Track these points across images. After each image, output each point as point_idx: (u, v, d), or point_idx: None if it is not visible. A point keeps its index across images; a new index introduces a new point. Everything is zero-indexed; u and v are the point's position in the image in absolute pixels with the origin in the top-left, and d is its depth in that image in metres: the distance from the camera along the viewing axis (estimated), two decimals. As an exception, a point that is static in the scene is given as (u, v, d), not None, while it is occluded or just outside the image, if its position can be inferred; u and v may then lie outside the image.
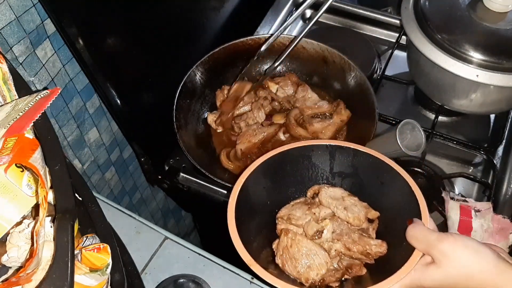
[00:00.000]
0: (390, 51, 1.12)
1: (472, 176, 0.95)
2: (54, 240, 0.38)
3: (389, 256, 0.56)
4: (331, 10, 1.24)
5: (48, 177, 0.41)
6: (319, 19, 1.28)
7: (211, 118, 0.99)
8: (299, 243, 0.56)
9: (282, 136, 0.95)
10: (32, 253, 0.40)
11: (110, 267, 0.47)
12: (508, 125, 1.02)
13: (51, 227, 0.41)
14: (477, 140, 1.01)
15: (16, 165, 0.41)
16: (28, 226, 0.45)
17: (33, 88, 0.68)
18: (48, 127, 0.45)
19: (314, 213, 0.60)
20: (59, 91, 0.47)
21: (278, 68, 1.06)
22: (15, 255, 0.43)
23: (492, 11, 0.86)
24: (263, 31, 1.21)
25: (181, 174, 0.98)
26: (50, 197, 0.42)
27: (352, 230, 0.59)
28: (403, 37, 1.10)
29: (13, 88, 0.49)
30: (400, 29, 1.17)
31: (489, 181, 0.94)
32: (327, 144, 0.62)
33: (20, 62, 0.73)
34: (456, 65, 0.84)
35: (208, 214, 1.19)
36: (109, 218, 0.57)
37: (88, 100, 0.91)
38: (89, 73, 0.83)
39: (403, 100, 1.12)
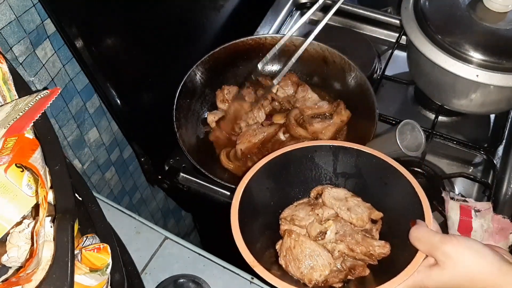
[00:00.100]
0: (390, 51, 1.12)
1: (472, 176, 0.95)
2: (54, 240, 0.38)
3: (392, 257, 0.56)
4: (330, 11, 1.23)
5: (48, 177, 0.41)
6: (319, 19, 1.28)
7: (211, 117, 0.99)
8: (302, 244, 0.56)
9: (282, 136, 0.95)
10: (32, 253, 0.40)
11: (110, 267, 0.47)
12: (508, 125, 1.02)
13: (51, 227, 0.41)
14: (477, 140, 1.01)
15: (16, 165, 0.41)
16: (28, 226, 0.44)
17: (33, 88, 0.68)
18: (48, 127, 0.45)
19: (318, 214, 0.60)
20: (59, 91, 0.47)
21: (278, 68, 1.07)
22: (15, 255, 0.43)
23: (492, 11, 0.86)
24: (263, 31, 1.21)
25: (181, 174, 0.98)
26: (50, 197, 0.42)
27: (356, 231, 0.59)
28: (403, 37, 1.10)
29: (13, 88, 0.49)
30: (400, 29, 1.17)
31: (489, 181, 0.94)
32: (331, 144, 0.62)
33: (20, 62, 0.73)
34: (456, 65, 0.84)
35: (208, 214, 1.19)
36: (109, 218, 0.57)
37: (88, 100, 0.91)
38: (89, 73, 0.83)
39: (403, 100, 1.12)
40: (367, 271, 0.57)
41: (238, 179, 0.59)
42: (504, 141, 0.99)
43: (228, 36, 1.02)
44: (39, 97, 0.46)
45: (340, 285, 0.55)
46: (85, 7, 0.75)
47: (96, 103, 0.93)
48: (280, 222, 0.62)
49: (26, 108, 0.44)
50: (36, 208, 0.43)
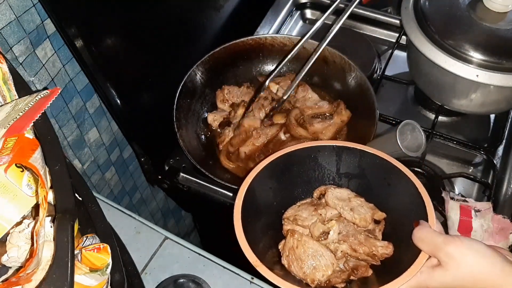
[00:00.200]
0: (390, 51, 1.12)
1: (472, 176, 0.95)
2: (54, 240, 0.38)
3: (395, 257, 0.56)
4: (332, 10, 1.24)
5: (48, 177, 0.41)
6: (318, 19, 1.28)
7: (211, 117, 0.99)
8: (305, 244, 0.56)
9: (283, 136, 0.95)
10: (32, 253, 0.40)
11: (110, 267, 0.47)
12: (508, 125, 1.02)
13: (51, 227, 0.41)
14: (477, 140, 1.01)
15: (16, 165, 0.41)
16: (28, 226, 0.44)
17: (33, 88, 0.68)
18: (48, 127, 0.45)
19: (321, 214, 0.60)
20: (59, 91, 0.47)
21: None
22: (15, 255, 0.43)
23: (492, 11, 0.86)
24: (263, 31, 1.21)
25: (181, 174, 0.98)
26: (50, 197, 0.42)
27: (359, 231, 0.59)
28: (403, 37, 1.10)
29: (13, 88, 0.49)
30: (400, 29, 1.17)
31: (489, 181, 0.94)
32: (334, 145, 0.62)
33: (20, 62, 0.73)
34: (456, 65, 0.84)
35: (208, 214, 1.19)
36: (109, 218, 0.57)
37: (88, 100, 0.91)
38: (89, 73, 0.83)
39: (403, 100, 1.12)
40: (370, 272, 0.57)
41: (239, 179, 0.59)
42: (504, 141, 0.99)
43: (228, 36, 1.02)
44: (39, 97, 0.46)
45: (343, 285, 0.56)
46: (85, 7, 0.75)
47: (96, 103, 0.93)
48: (283, 222, 0.62)
49: (26, 108, 0.44)
50: (36, 208, 0.43)
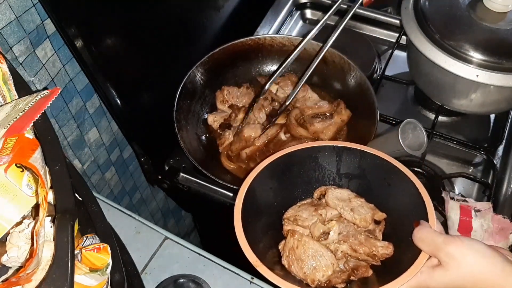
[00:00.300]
0: (390, 51, 1.12)
1: (472, 176, 0.95)
2: (54, 240, 0.38)
3: (395, 258, 0.56)
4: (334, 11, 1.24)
5: (48, 177, 0.41)
6: (318, 19, 1.28)
7: (211, 118, 0.99)
8: (305, 244, 0.56)
9: (283, 136, 0.95)
10: (32, 253, 0.40)
11: (110, 267, 0.47)
12: (508, 125, 1.02)
13: (51, 227, 0.41)
14: (477, 140, 1.02)
15: (16, 165, 0.41)
16: (28, 226, 0.45)
17: (33, 88, 0.68)
18: (48, 127, 0.45)
19: (321, 214, 0.60)
20: (59, 91, 0.47)
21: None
22: (15, 255, 0.43)
23: (492, 11, 0.86)
24: (263, 31, 1.21)
25: (181, 174, 0.98)
26: (50, 197, 0.42)
27: (359, 231, 0.59)
28: (403, 37, 1.10)
29: (13, 88, 0.49)
30: (400, 29, 1.17)
31: (489, 181, 0.94)
32: (334, 145, 0.62)
33: (20, 62, 0.73)
34: (456, 65, 0.84)
35: (208, 214, 1.19)
36: (109, 218, 0.57)
37: (88, 100, 0.91)
38: (89, 73, 0.83)
39: (403, 100, 1.12)
40: (370, 272, 0.57)
41: (239, 179, 0.59)
42: (504, 141, 0.99)
43: (228, 36, 1.02)
44: (39, 97, 0.46)
45: (343, 285, 0.56)
46: (85, 7, 0.75)
47: (96, 103, 0.93)
48: (283, 222, 0.62)
49: (26, 108, 0.44)
50: (36, 208, 0.43)
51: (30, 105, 0.45)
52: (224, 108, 1.00)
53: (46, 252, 0.39)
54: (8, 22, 0.69)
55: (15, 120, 0.43)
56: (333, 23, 1.26)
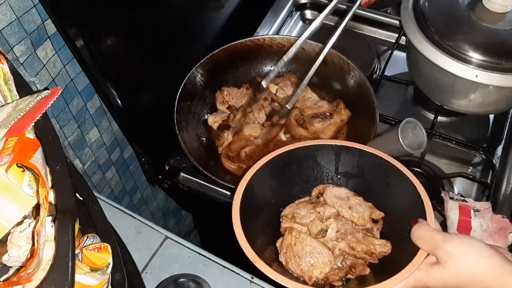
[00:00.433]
0: (390, 51, 1.12)
1: (471, 176, 0.95)
2: (55, 239, 0.39)
3: (393, 256, 0.56)
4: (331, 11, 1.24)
5: (49, 177, 0.42)
6: (315, 19, 1.28)
7: (211, 119, 0.99)
8: (303, 241, 0.56)
9: (283, 136, 0.95)
10: (33, 253, 0.40)
11: (110, 266, 0.47)
12: (507, 125, 1.02)
13: (52, 226, 0.41)
14: (476, 140, 1.02)
15: (17, 165, 0.41)
16: (29, 226, 0.45)
17: (34, 89, 0.68)
18: (49, 127, 0.45)
19: (319, 212, 0.60)
20: (60, 91, 0.47)
21: (277, 69, 1.07)
22: (16, 254, 0.44)
23: (492, 12, 0.86)
24: (263, 32, 1.21)
25: (182, 174, 0.98)
26: (51, 197, 0.42)
27: (357, 229, 0.59)
28: (403, 37, 1.10)
29: (14, 88, 0.49)
30: (400, 30, 1.17)
31: (488, 181, 0.95)
32: (333, 144, 0.63)
33: (21, 62, 0.74)
34: (455, 66, 0.84)
35: (209, 214, 1.19)
36: (110, 218, 0.57)
37: (89, 100, 0.91)
38: (89, 73, 0.83)
39: (403, 100, 1.12)
40: (368, 270, 0.57)
41: (239, 179, 0.59)
42: (503, 141, 0.99)
43: (228, 36, 1.02)
44: (40, 97, 0.46)
45: (340, 283, 0.56)
46: (85, 7, 0.75)
47: (96, 103, 0.94)
48: (281, 220, 0.62)
49: (27, 108, 0.44)
50: (37, 208, 0.43)
51: (31, 105, 0.45)
52: (224, 109, 1.00)
53: (47, 252, 0.39)
54: (9, 23, 0.69)
55: (16, 120, 0.43)
56: (332, 23, 1.26)
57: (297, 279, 0.55)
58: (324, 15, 0.87)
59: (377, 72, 1.12)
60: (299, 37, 1.00)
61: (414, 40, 0.89)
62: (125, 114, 0.89)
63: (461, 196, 0.82)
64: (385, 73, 1.09)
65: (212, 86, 1.01)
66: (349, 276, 0.57)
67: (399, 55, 1.12)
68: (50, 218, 0.42)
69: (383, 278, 0.49)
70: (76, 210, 0.41)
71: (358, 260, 0.58)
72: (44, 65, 0.78)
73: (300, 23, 1.29)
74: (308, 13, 1.29)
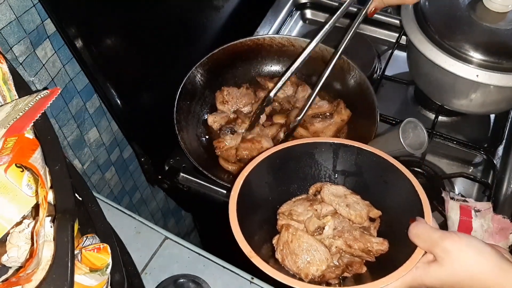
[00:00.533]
0: (390, 51, 1.12)
1: (472, 176, 0.95)
2: (54, 240, 0.38)
3: (390, 255, 0.56)
4: (331, 10, 1.24)
5: (48, 177, 0.41)
6: (318, 19, 1.28)
7: (211, 119, 0.98)
8: (300, 238, 0.56)
9: (283, 136, 0.95)
10: (32, 253, 0.39)
11: (110, 267, 0.47)
12: (508, 125, 1.02)
13: (51, 227, 0.41)
14: (477, 140, 1.02)
15: (16, 165, 0.41)
16: (28, 226, 0.44)
17: (33, 88, 0.68)
18: (48, 127, 0.45)
19: (316, 210, 0.60)
20: (59, 91, 0.47)
21: (277, 69, 1.07)
22: (15, 255, 0.43)
23: (492, 11, 0.86)
24: (263, 31, 1.21)
25: (181, 174, 0.98)
26: (50, 197, 0.42)
27: (354, 227, 0.59)
28: (403, 37, 1.10)
29: (13, 88, 0.49)
30: (400, 29, 1.17)
31: (489, 181, 0.95)
32: (331, 142, 0.62)
33: (20, 62, 0.73)
34: (456, 65, 0.84)
35: (208, 214, 1.19)
36: (109, 218, 0.57)
37: (88, 100, 0.91)
38: (89, 73, 0.83)
39: (403, 100, 1.12)
40: (364, 269, 0.57)
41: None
42: (504, 141, 0.99)
43: (228, 36, 1.02)
44: (39, 97, 0.46)
45: (336, 281, 0.55)
46: (85, 7, 0.75)
47: (96, 103, 0.93)
48: (278, 217, 0.62)
49: (26, 108, 0.44)
50: (36, 208, 0.43)
51: (30, 105, 0.45)
52: (224, 109, 1.00)
53: (46, 252, 0.39)
54: (8, 22, 0.69)
55: (15, 120, 0.43)
56: (333, 24, 1.26)
57: (293, 276, 0.54)
58: (336, 19, 0.86)
59: (378, 71, 1.12)
60: (299, 37, 1.00)
61: (414, 40, 0.89)
62: (125, 114, 0.89)
63: (462, 196, 0.82)
64: (386, 73, 1.09)
65: (212, 86, 1.01)
66: (345, 274, 0.57)
67: (400, 54, 1.12)
68: (49, 218, 0.41)
69: (380, 276, 0.49)
70: (75, 210, 0.41)
71: (355, 258, 0.58)
72: (44, 65, 0.78)
73: (300, 23, 1.29)
74: (309, 13, 1.29)
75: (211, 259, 0.81)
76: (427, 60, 0.87)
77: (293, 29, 1.27)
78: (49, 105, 0.44)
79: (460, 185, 0.97)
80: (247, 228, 0.54)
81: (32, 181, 0.42)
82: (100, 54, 0.79)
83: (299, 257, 0.55)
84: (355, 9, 1.10)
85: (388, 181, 0.60)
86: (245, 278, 0.78)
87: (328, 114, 0.97)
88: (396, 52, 1.12)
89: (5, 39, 0.69)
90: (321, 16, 1.28)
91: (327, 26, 0.88)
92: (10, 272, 0.45)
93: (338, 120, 0.94)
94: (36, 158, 0.41)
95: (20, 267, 0.44)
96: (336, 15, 0.88)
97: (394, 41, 1.16)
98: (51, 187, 0.41)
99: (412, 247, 0.50)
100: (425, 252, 0.50)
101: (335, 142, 0.62)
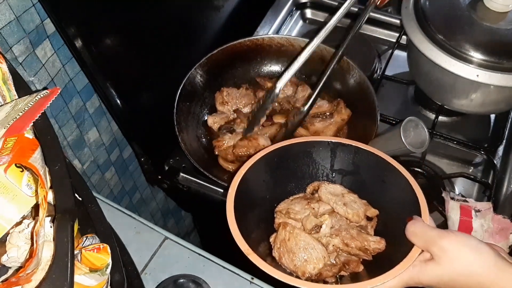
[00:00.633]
0: (390, 51, 1.12)
1: (472, 176, 0.95)
2: (54, 240, 0.38)
3: (387, 253, 0.56)
4: (331, 10, 1.24)
5: (48, 177, 0.41)
6: (318, 19, 1.28)
7: (211, 120, 0.98)
8: (297, 236, 0.56)
9: (289, 126, 0.95)
10: (32, 253, 0.39)
11: (110, 267, 0.47)
12: (508, 125, 1.02)
13: (51, 227, 0.41)
14: (477, 140, 1.01)
15: (16, 165, 0.41)
16: (28, 226, 0.44)
17: (33, 88, 0.68)
18: (48, 127, 0.45)
19: (313, 208, 0.60)
20: (59, 91, 0.47)
21: (276, 69, 1.07)
22: (15, 255, 0.43)
23: (493, 11, 0.86)
24: (263, 31, 1.21)
25: (181, 174, 0.98)
26: (50, 197, 0.42)
27: (351, 226, 0.59)
28: (403, 37, 1.10)
29: (13, 88, 0.49)
30: (400, 29, 1.17)
31: (489, 181, 0.94)
32: (329, 140, 0.62)
33: (20, 62, 0.73)
34: (456, 65, 0.84)
35: (208, 214, 1.19)
36: (109, 218, 0.57)
37: (88, 100, 0.91)
38: (88, 73, 0.83)
39: (403, 100, 1.12)
40: (361, 267, 0.57)
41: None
42: (504, 141, 0.99)
43: (228, 36, 1.02)
44: (39, 97, 0.46)
45: (333, 279, 0.55)
46: (85, 7, 0.75)
47: (96, 103, 0.93)
48: (275, 216, 0.62)
49: (26, 108, 0.44)
50: (36, 208, 0.43)
51: (29, 105, 0.45)
52: (224, 110, 1.00)
53: (46, 252, 0.39)
54: (7, 22, 0.69)
55: (15, 120, 0.43)
56: (333, 24, 1.26)
57: (290, 274, 0.54)
58: (338, 19, 0.86)
59: (378, 71, 1.12)
60: (299, 37, 1.00)
61: (415, 40, 0.89)
62: (125, 114, 0.89)
63: (462, 196, 0.82)
64: (386, 73, 1.08)
65: (211, 87, 1.01)
66: (342, 273, 0.57)
67: (400, 54, 1.12)
68: (49, 218, 0.41)
69: (376, 274, 0.49)
70: (75, 210, 0.41)
71: (352, 256, 0.58)
72: (43, 65, 0.78)
73: (300, 23, 1.29)
74: (309, 12, 1.29)
75: (211, 259, 0.81)
76: (427, 60, 0.87)
77: (293, 28, 1.27)
78: (48, 105, 0.44)
79: (460, 185, 0.97)
80: (244, 225, 0.54)
81: (32, 181, 0.42)
82: (100, 54, 0.79)
83: (296, 255, 0.55)
84: (356, 9, 1.09)
85: (385, 180, 0.60)
86: (245, 278, 0.78)
87: (328, 113, 0.97)
88: (397, 52, 1.12)
89: (4, 39, 0.69)
90: (321, 16, 1.28)
91: (332, 21, 0.87)
92: (10, 272, 0.45)
93: (338, 120, 0.94)
94: (36, 158, 0.41)
95: (20, 267, 0.44)
96: (340, 12, 0.87)
97: (394, 41, 1.16)
98: (51, 187, 0.41)
99: (409, 246, 0.50)
100: (422, 251, 0.50)
101: (333, 141, 0.63)
